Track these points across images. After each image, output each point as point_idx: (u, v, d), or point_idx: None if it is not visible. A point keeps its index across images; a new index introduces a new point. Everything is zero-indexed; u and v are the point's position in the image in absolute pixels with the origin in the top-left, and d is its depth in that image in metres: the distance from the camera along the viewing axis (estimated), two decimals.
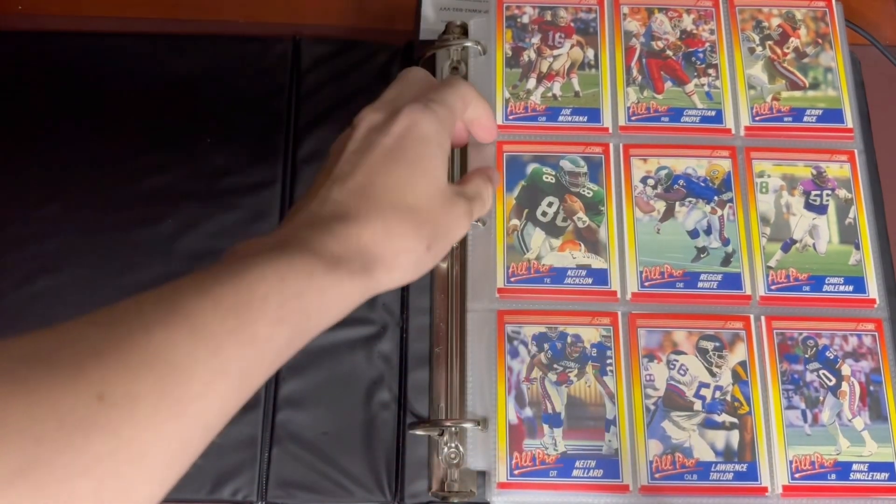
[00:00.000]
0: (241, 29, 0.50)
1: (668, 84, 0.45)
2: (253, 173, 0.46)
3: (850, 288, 0.41)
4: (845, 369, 0.40)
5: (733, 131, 0.44)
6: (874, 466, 0.38)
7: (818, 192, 0.43)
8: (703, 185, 0.43)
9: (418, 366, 0.43)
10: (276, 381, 0.42)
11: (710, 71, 0.45)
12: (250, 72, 0.48)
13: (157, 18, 0.50)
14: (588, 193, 0.43)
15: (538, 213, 0.42)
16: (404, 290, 0.44)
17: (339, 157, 0.34)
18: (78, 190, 0.45)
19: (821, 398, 0.39)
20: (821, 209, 0.43)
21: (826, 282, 0.41)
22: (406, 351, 0.43)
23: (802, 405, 0.39)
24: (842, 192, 0.43)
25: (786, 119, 0.44)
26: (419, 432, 0.41)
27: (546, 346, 0.40)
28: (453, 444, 0.39)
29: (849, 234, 0.42)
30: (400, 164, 0.33)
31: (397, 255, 0.31)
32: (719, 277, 0.41)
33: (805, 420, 0.39)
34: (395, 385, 0.43)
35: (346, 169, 0.33)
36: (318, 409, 0.42)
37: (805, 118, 0.44)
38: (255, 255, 0.28)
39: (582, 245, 0.42)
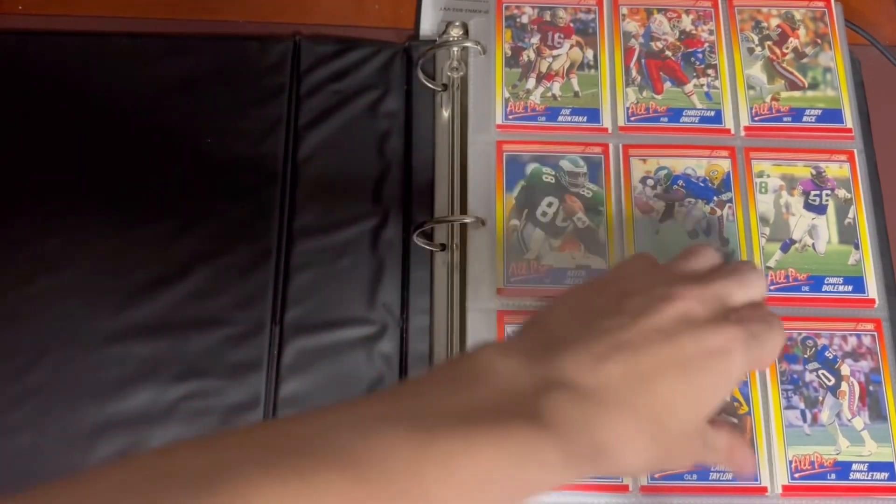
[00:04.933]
0: (241, 29, 0.50)
1: (668, 84, 0.45)
2: (253, 173, 0.46)
3: (850, 288, 0.41)
4: (844, 369, 0.40)
5: (732, 131, 0.44)
6: (874, 466, 0.38)
7: (817, 192, 0.43)
8: (702, 185, 0.43)
9: (418, 366, 0.43)
10: (276, 381, 0.42)
11: (710, 71, 0.45)
12: (250, 72, 0.48)
13: (158, 18, 0.50)
14: (587, 194, 0.43)
15: (538, 213, 0.42)
16: (404, 290, 0.44)
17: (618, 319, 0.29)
18: (78, 189, 0.45)
19: (820, 398, 0.39)
20: (820, 209, 0.43)
21: (825, 282, 0.41)
22: (406, 351, 0.43)
23: (802, 405, 0.39)
24: (841, 192, 0.43)
25: (785, 119, 0.44)
26: None
27: None
28: None
29: (848, 234, 0.42)
30: (688, 377, 0.28)
31: (613, 456, 0.28)
32: None
33: (804, 420, 0.39)
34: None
35: (627, 343, 0.28)
36: None
37: (804, 118, 0.44)
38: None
39: (581, 245, 0.42)
